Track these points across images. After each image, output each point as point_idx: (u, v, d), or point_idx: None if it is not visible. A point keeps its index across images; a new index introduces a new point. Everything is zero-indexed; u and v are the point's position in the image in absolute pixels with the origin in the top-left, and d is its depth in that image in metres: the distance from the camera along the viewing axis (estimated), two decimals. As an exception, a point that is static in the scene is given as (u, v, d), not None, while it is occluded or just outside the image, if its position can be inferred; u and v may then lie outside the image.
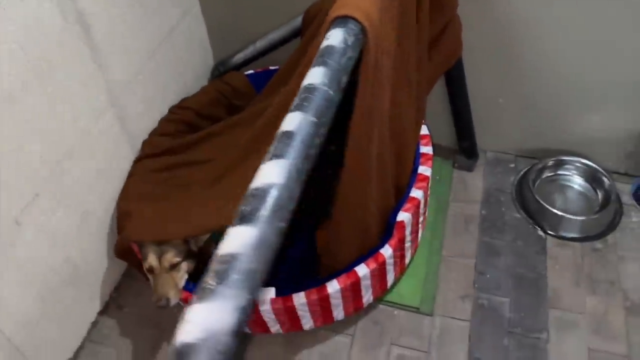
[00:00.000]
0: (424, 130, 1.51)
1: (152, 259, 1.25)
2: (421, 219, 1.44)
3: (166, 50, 1.53)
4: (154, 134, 1.52)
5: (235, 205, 0.55)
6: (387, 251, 1.29)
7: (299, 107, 0.63)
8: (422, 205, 1.40)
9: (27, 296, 1.20)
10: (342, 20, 0.77)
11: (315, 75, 0.67)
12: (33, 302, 1.22)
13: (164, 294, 1.22)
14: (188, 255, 1.29)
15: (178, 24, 1.58)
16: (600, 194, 1.66)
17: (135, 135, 1.45)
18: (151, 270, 1.26)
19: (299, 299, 1.23)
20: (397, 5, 1.02)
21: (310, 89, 0.66)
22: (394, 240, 1.30)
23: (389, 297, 1.47)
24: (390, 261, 1.31)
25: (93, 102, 1.28)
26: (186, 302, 1.27)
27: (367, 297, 1.35)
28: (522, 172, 1.75)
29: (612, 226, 1.59)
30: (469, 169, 1.80)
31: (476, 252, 1.56)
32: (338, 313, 1.33)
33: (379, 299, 1.46)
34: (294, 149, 0.59)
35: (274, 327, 1.33)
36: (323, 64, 0.68)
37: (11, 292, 1.16)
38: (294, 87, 1.00)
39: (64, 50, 1.15)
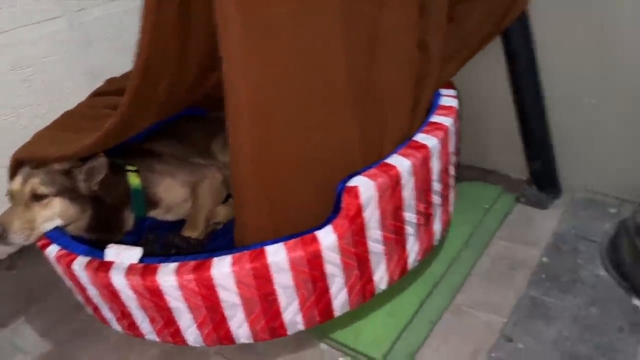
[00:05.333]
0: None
1: (16, 182, 0.97)
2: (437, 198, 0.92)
3: None
4: (125, 75, 1.32)
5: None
6: (326, 236, 0.81)
7: None
8: (435, 161, 0.92)
9: None
10: None
11: None
12: None
13: (4, 222, 0.91)
14: (65, 192, 0.97)
15: None
16: None
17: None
18: (11, 195, 0.96)
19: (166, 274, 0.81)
20: None
21: None
22: (341, 219, 0.82)
23: (339, 334, 0.93)
24: (332, 256, 0.82)
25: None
26: (43, 249, 0.93)
27: (291, 311, 0.85)
28: (625, 218, 1.12)
29: None
30: (541, 205, 1.22)
31: (513, 309, 0.96)
32: (235, 324, 0.85)
33: (319, 327, 0.94)
34: None
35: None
36: None
37: None
38: None
39: None
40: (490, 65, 1.20)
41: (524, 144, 1.21)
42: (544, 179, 1.24)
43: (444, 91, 1.09)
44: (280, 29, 0.72)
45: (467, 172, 1.38)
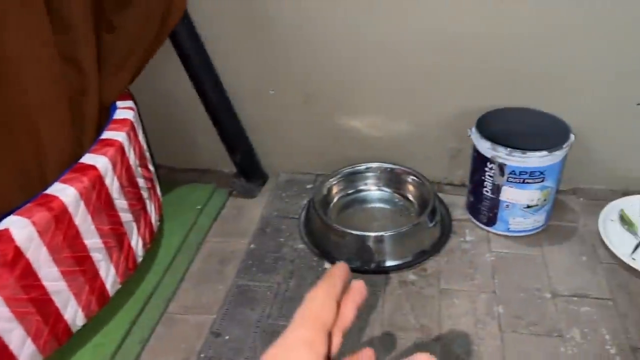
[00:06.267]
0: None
1: None
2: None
3: None
4: None
5: None
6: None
7: None
8: (111, 179, 0.87)
9: None
10: None
11: None
12: None
13: None
14: None
15: None
16: (417, 207, 1.18)
17: None
18: None
19: None
20: None
21: None
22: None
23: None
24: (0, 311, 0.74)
25: None
26: None
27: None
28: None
29: (435, 248, 1.09)
30: (251, 194, 1.30)
31: (222, 303, 1.00)
32: None
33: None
34: None
35: None
36: None
37: None
38: None
39: None
40: (181, 68, 1.21)
41: (222, 140, 1.27)
42: (248, 169, 1.32)
43: (120, 103, 1.06)
44: None
45: (182, 175, 1.39)
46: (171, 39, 1.12)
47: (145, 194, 1.05)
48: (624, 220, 1.11)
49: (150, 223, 1.07)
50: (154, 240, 1.10)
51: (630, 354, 0.86)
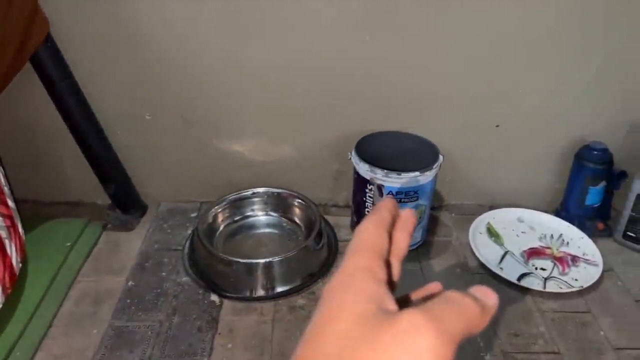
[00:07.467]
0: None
1: None
2: None
3: None
4: None
5: None
6: None
7: None
8: None
9: None
10: None
11: None
12: None
13: None
14: None
15: None
16: (304, 229, 1.20)
17: None
18: None
19: None
20: None
21: None
22: None
23: None
24: None
25: None
26: None
27: None
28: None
29: (323, 270, 1.11)
30: (128, 227, 1.24)
31: (97, 347, 0.93)
32: None
33: None
34: None
35: None
36: None
37: None
38: None
39: None
40: (44, 94, 1.12)
41: (93, 169, 1.19)
42: (124, 200, 1.25)
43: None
44: None
45: (50, 209, 1.29)
46: (32, 62, 1.05)
47: (4, 234, 0.95)
48: (491, 233, 1.22)
49: (11, 265, 0.97)
50: (15, 285, 0.99)
51: (501, 358, 0.94)
